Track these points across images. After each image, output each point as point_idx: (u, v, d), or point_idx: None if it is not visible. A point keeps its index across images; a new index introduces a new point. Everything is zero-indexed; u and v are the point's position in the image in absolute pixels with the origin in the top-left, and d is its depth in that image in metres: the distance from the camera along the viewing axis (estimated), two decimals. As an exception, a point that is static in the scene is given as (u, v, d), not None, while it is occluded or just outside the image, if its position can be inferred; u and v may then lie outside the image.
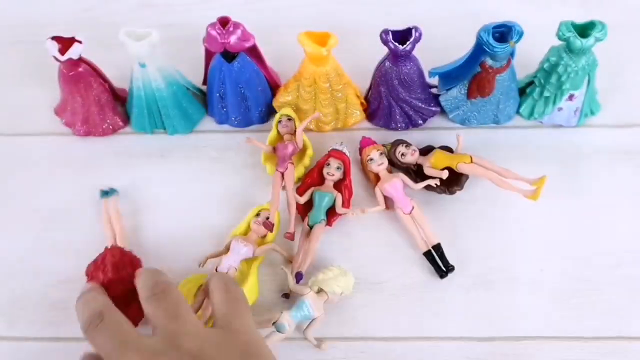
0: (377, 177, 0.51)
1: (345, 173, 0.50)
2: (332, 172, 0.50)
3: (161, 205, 0.50)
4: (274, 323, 0.44)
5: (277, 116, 0.53)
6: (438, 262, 0.48)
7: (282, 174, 0.50)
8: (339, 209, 0.49)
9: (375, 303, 0.47)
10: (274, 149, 0.52)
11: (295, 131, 0.52)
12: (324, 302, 0.45)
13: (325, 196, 0.50)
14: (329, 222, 0.50)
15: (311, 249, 0.48)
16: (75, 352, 0.45)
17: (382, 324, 0.46)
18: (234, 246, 0.47)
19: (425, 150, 0.52)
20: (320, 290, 0.45)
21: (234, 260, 0.46)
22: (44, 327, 0.47)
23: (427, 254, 0.48)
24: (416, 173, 0.52)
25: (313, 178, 0.51)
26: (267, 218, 0.48)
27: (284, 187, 0.50)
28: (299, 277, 0.47)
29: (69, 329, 0.46)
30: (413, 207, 0.49)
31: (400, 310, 0.47)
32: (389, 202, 0.51)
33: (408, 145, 0.51)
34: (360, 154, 0.52)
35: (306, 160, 0.52)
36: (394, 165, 0.52)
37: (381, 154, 0.51)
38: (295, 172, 0.51)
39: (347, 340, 0.46)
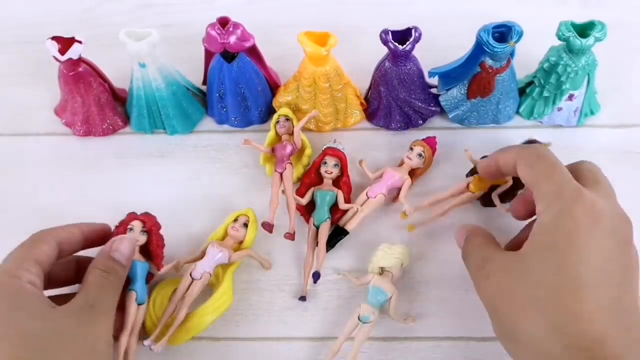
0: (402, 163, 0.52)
1: (343, 169, 0.50)
2: (330, 169, 0.50)
3: (161, 206, 0.50)
4: (358, 317, 0.44)
5: (274, 117, 0.53)
6: (333, 235, 0.49)
7: (281, 175, 0.50)
8: (342, 205, 0.49)
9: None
10: (273, 150, 0.52)
11: (293, 131, 0.52)
12: (391, 280, 0.46)
13: (327, 195, 0.49)
14: (333, 220, 0.50)
15: (321, 248, 0.48)
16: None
17: (381, 323, 0.46)
18: (209, 251, 0.46)
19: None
20: (382, 272, 0.46)
21: (208, 266, 0.46)
22: (44, 327, 0.47)
23: (337, 229, 0.49)
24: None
25: (311, 178, 0.51)
26: (245, 224, 0.48)
27: (283, 191, 0.50)
28: (316, 276, 0.47)
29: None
30: (376, 197, 0.50)
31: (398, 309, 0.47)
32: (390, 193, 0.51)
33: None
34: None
35: (305, 160, 0.52)
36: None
37: (420, 154, 0.51)
38: (295, 172, 0.51)
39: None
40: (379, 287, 0.45)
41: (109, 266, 0.42)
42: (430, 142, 0.52)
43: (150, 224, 0.46)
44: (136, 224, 0.45)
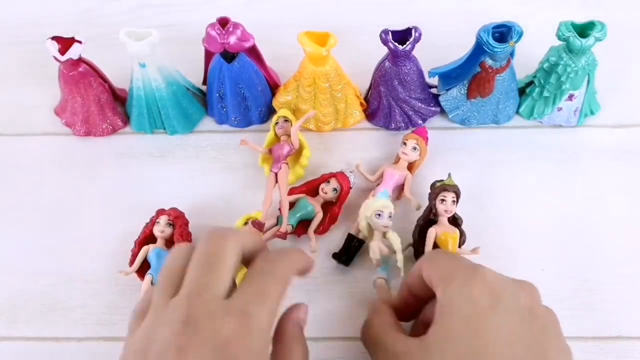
0: (399, 160, 0.51)
1: (339, 199, 0.50)
2: (327, 191, 0.49)
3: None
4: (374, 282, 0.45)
5: (274, 118, 0.52)
6: (349, 248, 0.48)
7: (276, 175, 0.50)
8: (310, 229, 0.48)
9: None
10: (270, 151, 0.51)
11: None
12: (390, 234, 0.45)
13: (308, 206, 0.49)
14: (296, 232, 0.49)
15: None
16: (75, 352, 0.46)
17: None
18: None
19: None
20: (376, 234, 0.46)
21: None
22: (44, 327, 0.47)
23: (350, 237, 0.48)
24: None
25: (309, 187, 0.50)
26: (252, 222, 0.48)
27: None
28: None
29: (69, 329, 0.47)
30: None
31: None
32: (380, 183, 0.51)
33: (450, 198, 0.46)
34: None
35: (303, 161, 0.52)
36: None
37: (414, 148, 0.51)
38: (293, 173, 0.51)
39: (347, 340, 0.45)
40: (390, 241, 0.45)
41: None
42: (422, 133, 0.52)
43: (174, 216, 0.48)
44: (162, 218, 0.48)
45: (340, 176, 0.50)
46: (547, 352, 0.34)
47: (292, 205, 0.50)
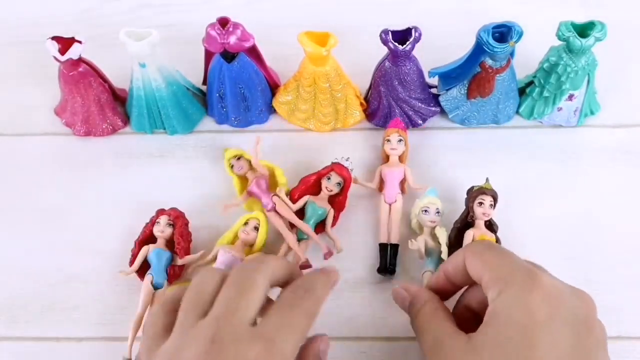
0: (388, 158, 0.51)
1: (343, 190, 0.49)
2: (331, 187, 0.49)
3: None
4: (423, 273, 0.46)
5: (225, 163, 0.51)
6: (387, 257, 0.48)
7: (276, 211, 0.49)
8: (328, 228, 0.49)
9: (373, 302, 0.47)
10: (250, 194, 0.50)
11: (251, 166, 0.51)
12: (438, 229, 0.46)
13: (319, 210, 0.49)
14: (316, 231, 0.49)
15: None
16: (75, 352, 0.46)
17: (382, 323, 0.46)
18: (220, 256, 0.46)
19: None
20: (425, 230, 0.47)
21: None
22: (44, 327, 0.47)
23: (383, 246, 0.48)
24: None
25: (308, 185, 0.50)
26: (256, 228, 0.48)
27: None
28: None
29: (69, 329, 0.47)
30: (396, 201, 0.49)
31: (398, 309, 0.47)
32: (382, 185, 0.51)
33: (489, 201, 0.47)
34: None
35: (282, 180, 0.50)
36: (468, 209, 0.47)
37: (400, 140, 0.51)
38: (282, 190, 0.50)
39: (347, 340, 0.45)
40: (437, 238, 0.46)
41: None
42: (398, 124, 0.52)
43: (174, 216, 0.48)
44: (162, 218, 0.48)
45: (338, 168, 0.49)
46: None
47: (300, 212, 0.49)
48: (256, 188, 0.49)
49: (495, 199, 0.46)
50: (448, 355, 0.35)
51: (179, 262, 0.47)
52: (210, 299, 0.35)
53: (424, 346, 0.37)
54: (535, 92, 0.53)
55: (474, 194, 0.46)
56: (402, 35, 0.49)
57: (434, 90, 0.55)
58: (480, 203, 0.46)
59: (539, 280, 0.34)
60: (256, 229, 0.48)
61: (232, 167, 0.51)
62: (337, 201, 0.50)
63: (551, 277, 0.36)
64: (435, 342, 0.36)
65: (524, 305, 0.33)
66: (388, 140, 0.51)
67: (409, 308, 0.40)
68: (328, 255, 0.48)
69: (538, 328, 0.33)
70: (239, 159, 0.51)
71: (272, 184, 0.51)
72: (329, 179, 0.49)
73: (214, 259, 0.47)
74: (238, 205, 0.50)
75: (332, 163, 0.50)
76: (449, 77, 0.53)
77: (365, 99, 0.56)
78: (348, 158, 0.50)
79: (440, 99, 0.54)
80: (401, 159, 0.51)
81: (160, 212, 0.48)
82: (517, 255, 0.37)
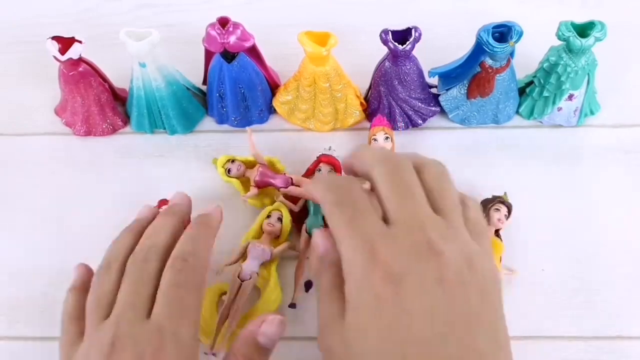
0: None
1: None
2: None
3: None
4: None
5: (219, 170, 0.50)
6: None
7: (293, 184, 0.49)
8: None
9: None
10: (259, 186, 0.49)
11: (253, 164, 0.51)
12: None
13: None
14: (325, 226, 0.49)
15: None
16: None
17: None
18: (251, 251, 0.46)
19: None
20: None
21: (254, 265, 0.45)
22: (44, 327, 0.47)
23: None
24: None
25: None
26: (279, 219, 0.48)
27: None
28: (308, 286, 0.47)
29: (69, 329, 0.47)
30: None
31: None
32: None
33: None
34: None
35: (281, 167, 0.51)
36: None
37: (386, 137, 0.51)
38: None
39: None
40: None
41: (252, 358, 0.36)
42: (382, 122, 0.52)
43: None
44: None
45: (324, 159, 0.50)
46: (472, 329, 0.30)
47: (303, 212, 0.49)
48: (264, 176, 0.50)
49: (509, 212, 0.48)
50: (334, 331, 0.33)
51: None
52: (112, 297, 0.36)
53: (322, 313, 0.34)
54: (535, 92, 0.53)
55: (491, 200, 0.48)
56: (402, 35, 0.49)
57: (434, 90, 0.55)
58: (497, 209, 0.48)
59: (377, 258, 0.31)
60: (280, 220, 0.48)
61: (228, 172, 0.50)
62: None
63: (390, 249, 0.31)
64: (322, 326, 0.34)
65: (367, 290, 0.31)
66: (375, 139, 0.51)
67: (315, 265, 0.36)
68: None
69: (389, 307, 0.30)
70: (232, 162, 0.51)
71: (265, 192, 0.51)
72: (319, 171, 0.50)
73: (242, 255, 0.47)
74: (254, 195, 0.50)
75: (318, 157, 0.50)
76: (449, 77, 0.53)
77: (365, 99, 0.56)
78: (330, 147, 0.51)
79: (440, 98, 0.54)
80: None
81: (163, 202, 0.48)
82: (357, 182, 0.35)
